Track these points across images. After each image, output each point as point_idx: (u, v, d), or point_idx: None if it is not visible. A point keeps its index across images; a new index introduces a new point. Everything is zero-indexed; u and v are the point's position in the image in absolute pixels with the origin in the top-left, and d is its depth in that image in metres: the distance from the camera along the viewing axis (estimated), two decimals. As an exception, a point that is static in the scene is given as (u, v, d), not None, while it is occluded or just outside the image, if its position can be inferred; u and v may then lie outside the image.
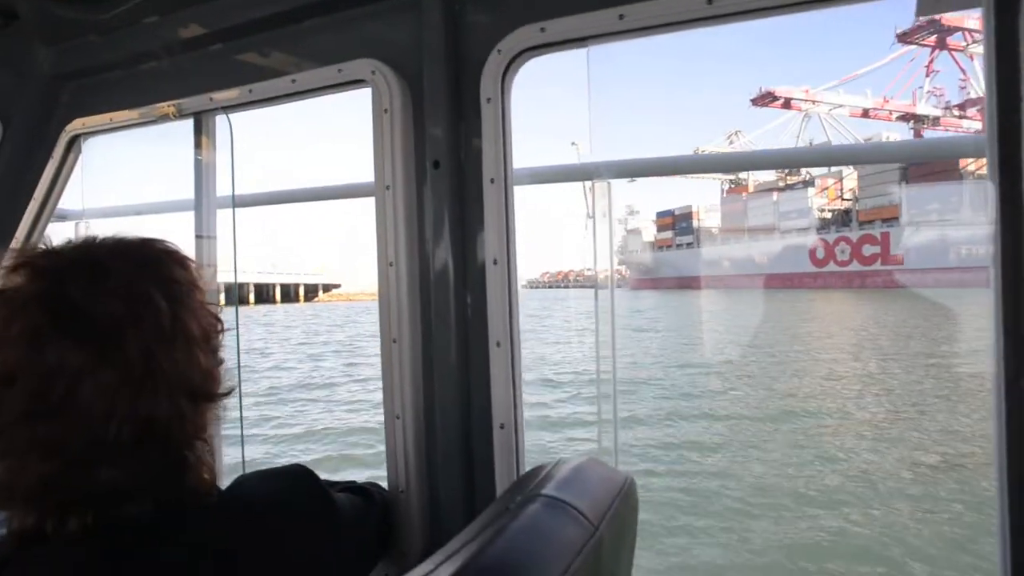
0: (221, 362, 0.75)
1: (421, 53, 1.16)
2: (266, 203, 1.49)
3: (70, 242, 0.74)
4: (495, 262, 1.08)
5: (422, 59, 1.16)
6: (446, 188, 1.14)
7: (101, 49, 1.53)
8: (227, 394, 0.75)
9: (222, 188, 1.49)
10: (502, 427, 1.09)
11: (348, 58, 1.22)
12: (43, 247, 0.73)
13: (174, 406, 0.69)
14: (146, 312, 0.68)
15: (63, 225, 1.82)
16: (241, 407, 1.18)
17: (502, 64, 1.10)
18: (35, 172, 1.71)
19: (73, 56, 1.59)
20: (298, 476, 0.88)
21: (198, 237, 1.49)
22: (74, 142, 1.67)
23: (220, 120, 1.47)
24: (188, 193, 1.51)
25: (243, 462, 1.63)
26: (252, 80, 1.35)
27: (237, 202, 1.45)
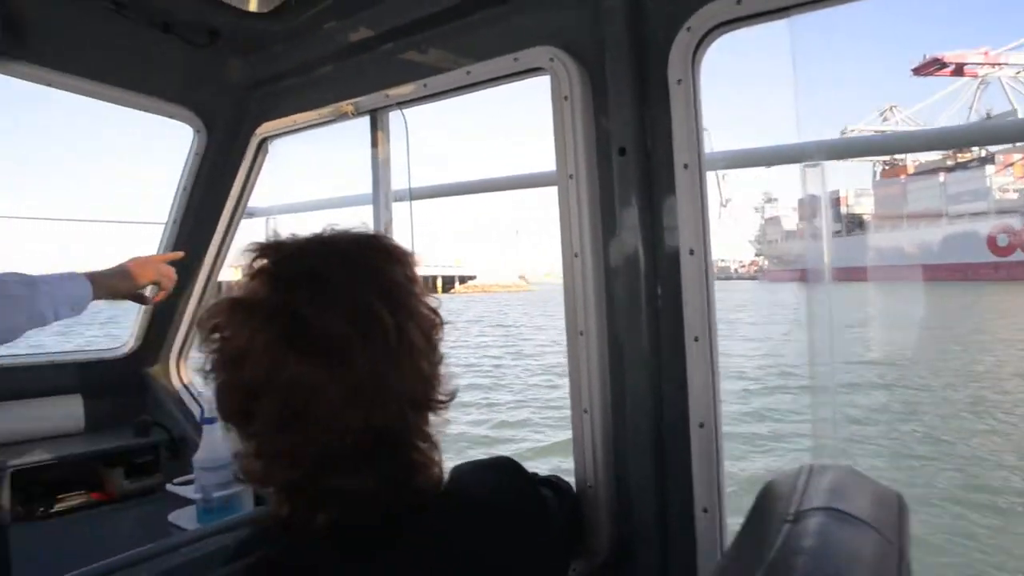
0: (442, 359, 0.75)
1: (601, 37, 1.12)
2: (442, 195, 1.54)
3: (295, 239, 0.75)
4: (691, 252, 1.02)
5: (603, 43, 1.11)
6: (633, 175, 1.09)
7: (285, 56, 1.65)
8: (451, 399, 0.75)
9: (397, 182, 1.55)
10: (701, 426, 1.03)
11: (523, 47, 1.20)
12: (272, 242, 0.74)
13: (401, 416, 0.70)
14: (372, 329, 0.68)
15: (251, 221, 2.00)
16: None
17: (692, 42, 1.02)
18: (230, 174, 1.88)
19: (261, 65, 1.72)
20: (511, 470, 0.88)
21: (375, 231, 1.54)
22: (262, 144, 1.82)
23: (395, 115, 1.52)
24: (365, 188, 1.58)
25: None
26: (426, 75, 1.38)
27: (414, 195, 1.50)
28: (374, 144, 1.54)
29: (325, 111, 1.60)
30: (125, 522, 1.83)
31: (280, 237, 0.75)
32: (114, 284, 1.44)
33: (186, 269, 2.07)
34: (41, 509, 1.83)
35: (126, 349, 2.25)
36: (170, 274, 1.58)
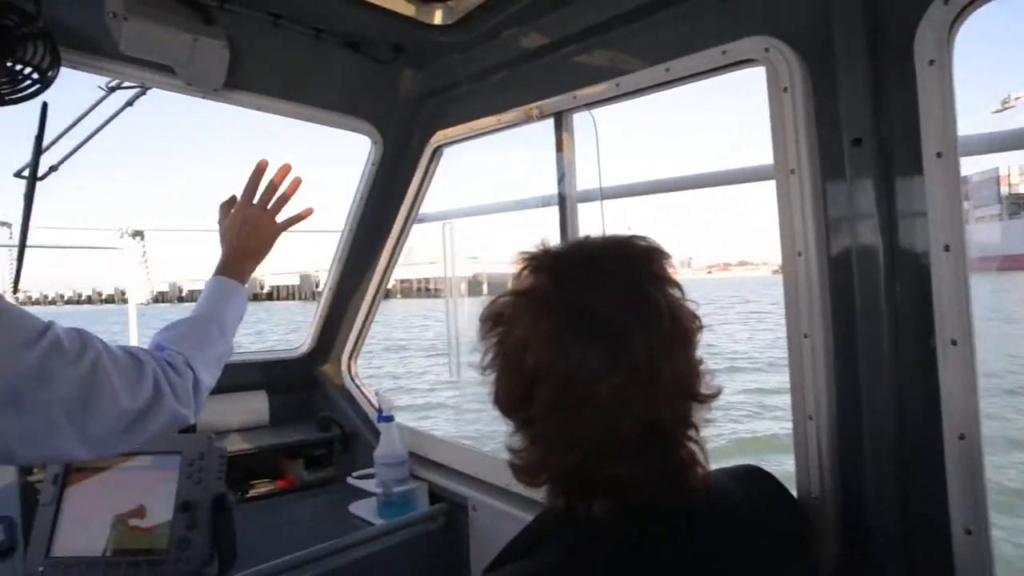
0: (701, 361, 0.74)
1: (827, 19, 1.03)
2: (636, 194, 1.50)
3: (559, 245, 0.78)
4: (947, 248, 0.92)
5: (829, 26, 1.02)
6: (870, 167, 1.00)
7: (463, 65, 1.68)
8: (716, 395, 0.74)
9: (583, 183, 1.54)
10: (961, 438, 0.92)
11: (731, 39, 1.14)
12: (541, 248, 0.77)
13: (674, 407, 0.70)
14: (650, 314, 0.69)
15: (423, 226, 2.07)
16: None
17: (948, 18, 0.92)
18: (403, 182, 1.97)
19: (437, 75, 1.77)
20: (765, 479, 0.87)
21: (563, 233, 1.55)
22: (436, 152, 1.88)
23: (580, 116, 1.51)
24: (537, 190, 1.59)
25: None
26: (618, 74, 1.35)
27: (605, 194, 1.48)
28: (559, 146, 1.53)
29: (506, 116, 1.62)
30: (311, 510, 1.95)
31: (548, 244, 0.78)
32: (251, 252, 1.26)
33: (358, 274, 2.19)
34: (239, 494, 2.00)
35: (303, 350, 2.42)
36: (274, 193, 1.30)
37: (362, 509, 1.88)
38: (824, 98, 1.05)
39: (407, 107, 1.86)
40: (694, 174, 1.40)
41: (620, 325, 0.67)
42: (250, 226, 1.26)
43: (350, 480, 1.96)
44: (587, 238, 0.79)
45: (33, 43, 1.15)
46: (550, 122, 1.56)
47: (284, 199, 1.31)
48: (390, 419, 1.90)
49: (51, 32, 1.17)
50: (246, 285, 1.26)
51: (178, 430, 1.06)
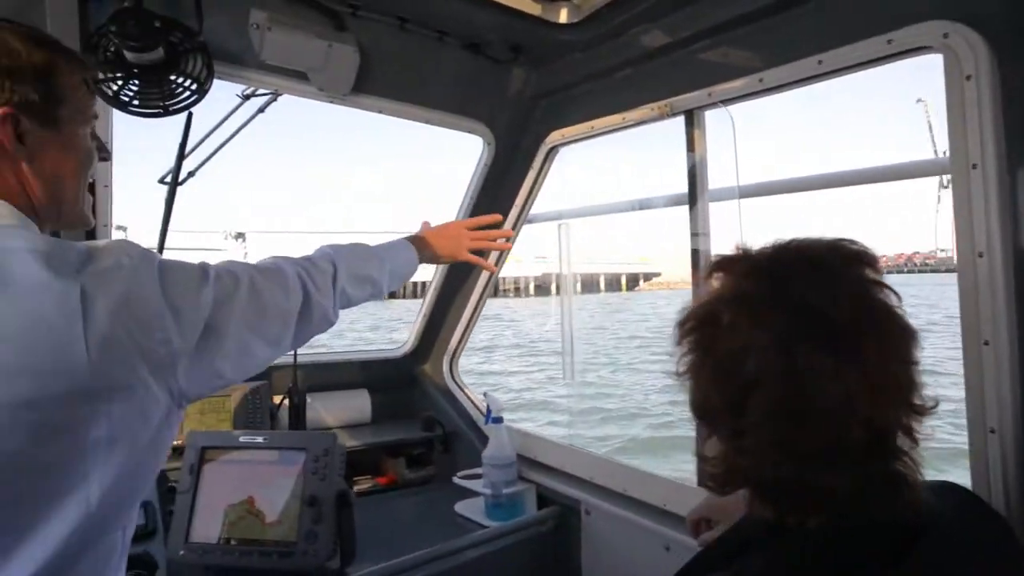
0: (919, 368, 0.69)
1: (1014, 1, 0.96)
2: (777, 192, 1.44)
3: (768, 245, 0.73)
4: None
5: (1018, 7, 0.95)
6: None
7: (582, 64, 1.66)
8: (934, 407, 0.69)
9: (715, 181, 1.48)
10: None
11: (897, 25, 1.07)
12: (739, 251, 0.74)
13: (897, 417, 0.65)
14: (877, 318, 0.65)
15: (532, 227, 2.06)
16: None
17: None
18: (514, 182, 1.96)
19: (554, 75, 1.76)
20: (970, 497, 0.81)
21: (694, 234, 1.50)
22: (551, 152, 1.87)
23: (712, 113, 1.46)
24: (658, 190, 1.55)
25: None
26: (758, 69, 1.29)
27: (743, 193, 1.42)
28: (690, 143, 1.48)
29: (631, 114, 1.58)
30: (415, 508, 1.98)
31: (744, 248, 0.74)
32: (438, 246, 1.36)
33: (463, 274, 2.21)
34: (345, 490, 2.05)
35: (405, 349, 2.46)
36: (486, 238, 1.44)
37: (468, 509, 1.89)
38: (1013, 85, 0.96)
39: (520, 107, 1.85)
40: (844, 170, 1.31)
41: (850, 328, 0.63)
42: (450, 230, 1.40)
43: (456, 480, 1.97)
44: (792, 240, 0.73)
45: (193, 57, 1.21)
46: (670, 121, 1.52)
47: (485, 237, 1.44)
48: (500, 420, 1.90)
49: (207, 46, 1.22)
50: (416, 264, 1.33)
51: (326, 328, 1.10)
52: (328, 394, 2.26)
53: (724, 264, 0.73)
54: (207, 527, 1.51)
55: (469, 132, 1.87)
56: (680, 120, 1.53)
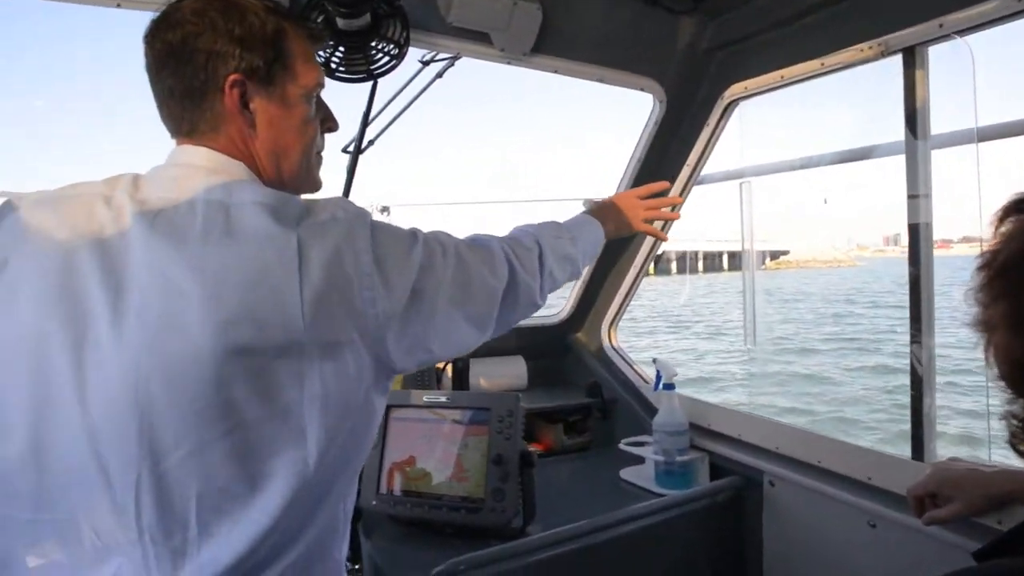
0: None
1: None
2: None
3: None
4: None
5: None
6: None
7: (767, 10, 1.54)
8: None
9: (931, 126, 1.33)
10: None
11: None
12: None
13: None
14: None
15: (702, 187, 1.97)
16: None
17: None
18: (686, 141, 1.88)
19: (733, 25, 1.65)
20: None
21: (910, 186, 1.35)
22: (728, 108, 1.77)
23: (935, 50, 1.30)
24: (846, 143, 1.42)
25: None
26: None
27: (981, 135, 1.26)
28: (908, 85, 1.33)
29: (831, 58, 1.45)
30: (579, 474, 1.97)
31: None
32: (616, 220, 1.32)
33: (623, 242, 2.15)
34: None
35: (562, 316, 2.46)
36: (657, 206, 1.40)
37: (635, 476, 1.86)
38: None
39: (694, 61, 1.76)
40: None
41: None
42: (625, 202, 1.36)
43: (621, 446, 1.95)
44: None
45: (394, 22, 1.24)
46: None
47: (657, 205, 1.40)
48: (671, 387, 1.85)
49: (404, 10, 1.25)
50: (603, 240, 1.29)
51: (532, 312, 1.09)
52: (486, 360, 2.31)
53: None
54: (394, 480, 1.59)
55: (641, 90, 1.80)
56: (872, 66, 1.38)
